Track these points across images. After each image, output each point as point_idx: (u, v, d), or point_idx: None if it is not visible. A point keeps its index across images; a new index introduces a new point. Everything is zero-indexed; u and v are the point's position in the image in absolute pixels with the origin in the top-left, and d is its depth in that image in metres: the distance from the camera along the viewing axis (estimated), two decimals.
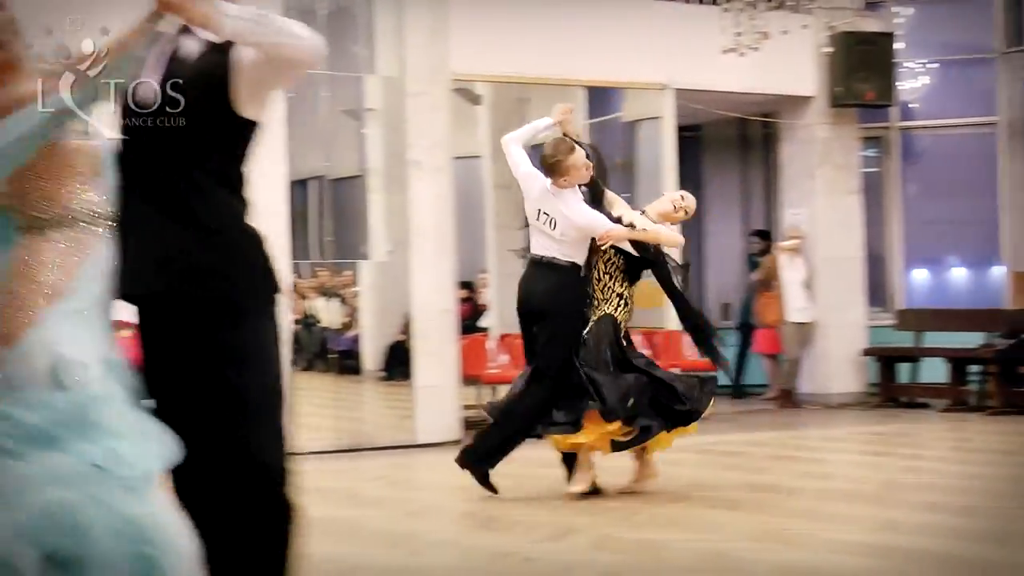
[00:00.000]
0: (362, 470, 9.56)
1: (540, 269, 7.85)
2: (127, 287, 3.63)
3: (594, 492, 7.88)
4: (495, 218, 13.10)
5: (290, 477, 3.73)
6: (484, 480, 7.84)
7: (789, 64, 13.02)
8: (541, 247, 7.85)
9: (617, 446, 7.80)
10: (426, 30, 11.01)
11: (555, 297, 7.76)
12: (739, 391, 14.15)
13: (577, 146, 7.82)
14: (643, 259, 7.93)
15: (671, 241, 8.07)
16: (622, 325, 7.88)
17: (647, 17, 12.42)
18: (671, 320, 10.95)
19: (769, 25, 11.27)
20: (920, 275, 14.87)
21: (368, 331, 14.47)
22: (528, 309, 7.89)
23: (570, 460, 7.92)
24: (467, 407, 11.21)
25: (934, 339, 13.27)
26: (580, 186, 7.86)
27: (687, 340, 10.42)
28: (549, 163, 7.78)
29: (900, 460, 9.78)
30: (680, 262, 8.48)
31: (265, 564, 3.70)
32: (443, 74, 11.14)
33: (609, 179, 8.43)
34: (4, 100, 3.52)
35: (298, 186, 12.20)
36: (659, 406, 7.74)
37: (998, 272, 14.45)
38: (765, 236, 14.43)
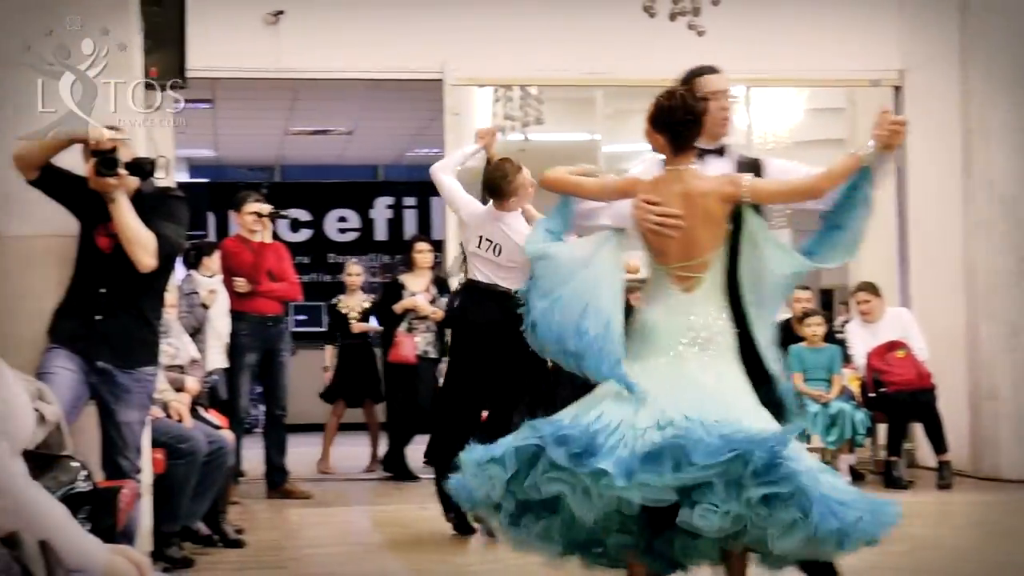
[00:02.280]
0: None
1: (481, 295, 7.46)
2: None
3: None
4: None
5: None
6: None
7: None
8: (482, 274, 7.48)
9: None
10: None
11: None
12: None
13: (522, 166, 7.47)
14: None
15: None
16: None
17: None
18: None
19: None
20: None
21: None
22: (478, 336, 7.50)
23: None
24: None
25: None
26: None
27: None
28: (499, 184, 7.44)
29: None
30: None
31: None
32: None
33: None
34: None
35: None
36: None
37: None
38: None
